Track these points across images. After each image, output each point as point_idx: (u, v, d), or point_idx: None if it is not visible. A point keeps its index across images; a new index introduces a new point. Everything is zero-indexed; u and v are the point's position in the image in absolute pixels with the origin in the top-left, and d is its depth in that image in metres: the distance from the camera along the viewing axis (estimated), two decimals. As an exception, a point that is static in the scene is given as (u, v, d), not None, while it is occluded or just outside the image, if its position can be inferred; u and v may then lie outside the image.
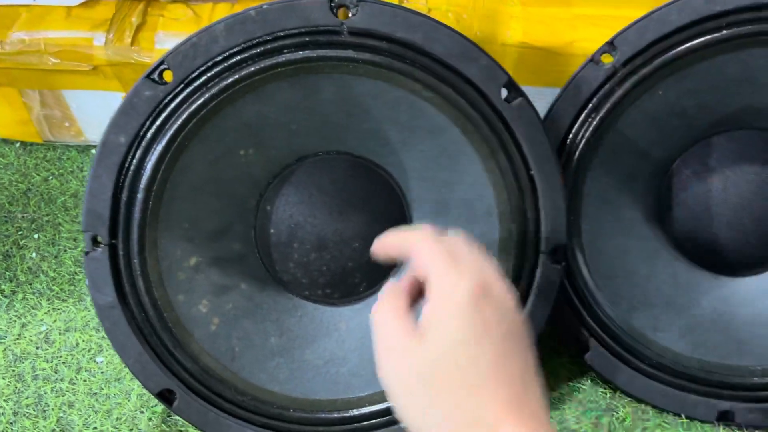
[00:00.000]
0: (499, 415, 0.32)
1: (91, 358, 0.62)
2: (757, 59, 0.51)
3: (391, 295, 0.38)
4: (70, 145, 0.79)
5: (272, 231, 0.55)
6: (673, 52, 0.51)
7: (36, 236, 0.71)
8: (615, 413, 0.58)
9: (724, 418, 0.56)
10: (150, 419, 0.57)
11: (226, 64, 0.47)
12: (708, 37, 0.50)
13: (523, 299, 0.54)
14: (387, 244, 0.42)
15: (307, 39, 0.48)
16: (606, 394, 0.59)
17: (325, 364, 0.55)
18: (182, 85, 0.47)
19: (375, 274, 0.57)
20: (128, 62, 0.67)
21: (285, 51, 0.48)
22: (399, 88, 0.50)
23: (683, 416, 0.57)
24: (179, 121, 0.48)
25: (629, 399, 0.59)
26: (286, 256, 0.55)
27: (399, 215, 0.56)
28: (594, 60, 0.52)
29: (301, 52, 0.48)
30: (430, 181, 0.55)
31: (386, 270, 0.57)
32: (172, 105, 0.47)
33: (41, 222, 0.73)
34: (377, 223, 0.56)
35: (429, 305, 0.35)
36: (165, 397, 0.52)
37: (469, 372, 0.33)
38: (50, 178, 0.77)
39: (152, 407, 0.58)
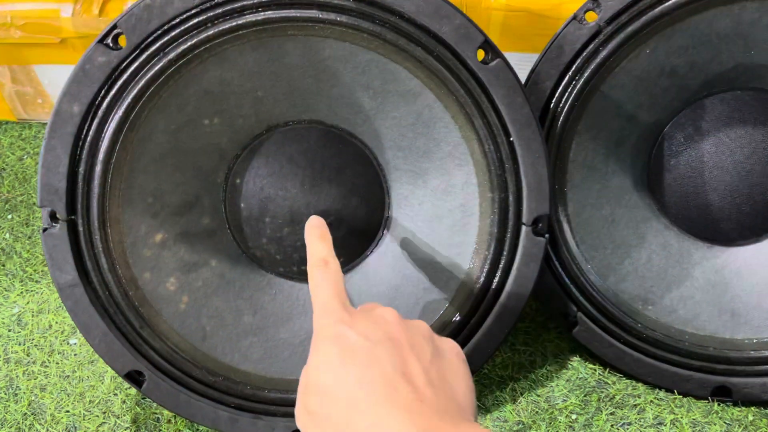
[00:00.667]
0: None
1: (64, 340, 0.60)
2: (751, 12, 0.48)
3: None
4: (45, 123, 0.77)
5: (243, 205, 0.53)
6: (661, 7, 0.48)
7: (10, 216, 0.70)
8: (605, 390, 0.56)
9: (719, 393, 0.54)
10: (124, 402, 0.56)
11: (183, 27, 0.45)
12: (698, -11, 0.47)
13: (506, 273, 0.51)
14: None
15: (270, -1, 0.45)
16: (595, 370, 0.57)
17: (302, 343, 0.53)
18: (137, 51, 0.45)
19: (352, 248, 0.54)
20: (97, 34, 0.64)
21: (246, 12, 0.45)
22: (369, 50, 0.47)
23: (676, 392, 0.55)
24: (136, 89, 0.45)
25: (619, 375, 0.56)
26: (258, 231, 0.53)
27: (375, 186, 0.54)
28: (577, 18, 0.49)
29: (262, 13, 0.45)
30: (407, 150, 0.52)
31: (364, 244, 0.55)
32: (128, 71, 0.45)
33: (15, 202, 0.71)
34: (353, 196, 0.53)
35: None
36: (133, 378, 0.50)
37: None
38: (25, 157, 0.75)
39: (126, 389, 0.56)
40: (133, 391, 0.56)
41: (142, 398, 0.55)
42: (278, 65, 0.48)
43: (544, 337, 0.60)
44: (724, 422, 0.53)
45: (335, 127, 0.52)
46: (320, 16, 0.45)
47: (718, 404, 0.54)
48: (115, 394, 0.56)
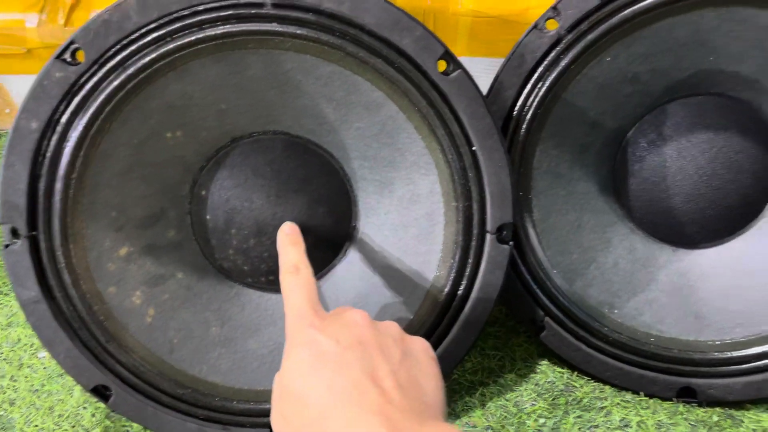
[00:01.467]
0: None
1: (33, 354, 0.60)
2: (708, 21, 0.48)
3: None
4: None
5: (208, 217, 0.53)
6: (621, 15, 0.48)
7: (-22, 228, 0.69)
8: (572, 393, 0.56)
9: (684, 394, 0.55)
10: (93, 415, 0.56)
11: (142, 42, 0.45)
12: (654, -2, 0.47)
13: (472, 280, 0.51)
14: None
15: (229, 13, 0.45)
16: (563, 374, 0.58)
17: (270, 353, 0.53)
18: (96, 65, 0.45)
19: (320, 258, 0.55)
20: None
21: (205, 26, 0.45)
22: (330, 62, 0.47)
23: (642, 394, 0.55)
24: (96, 104, 0.45)
25: (587, 378, 0.57)
26: (225, 242, 0.53)
27: (342, 196, 0.54)
28: (538, 26, 0.50)
29: (222, 27, 0.45)
30: (372, 160, 0.52)
31: (331, 254, 0.55)
32: (87, 87, 0.45)
33: (-17, 213, 0.70)
34: (319, 206, 0.53)
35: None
36: (100, 392, 0.50)
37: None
38: (-7, 167, 0.74)
39: (95, 403, 0.56)
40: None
41: (111, 411, 0.55)
42: (241, 78, 0.48)
43: (513, 341, 0.61)
44: (689, 423, 0.54)
45: (300, 138, 0.52)
46: (280, 29, 0.45)
47: (684, 405, 0.55)
48: (85, 408, 0.56)
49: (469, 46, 0.70)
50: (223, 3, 0.45)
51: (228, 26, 0.45)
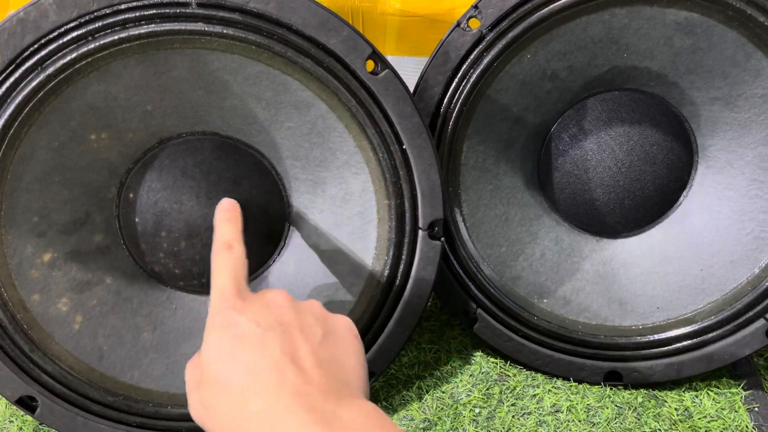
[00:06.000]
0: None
1: (-47, 369, 0.57)
2: (618, 19, 0.51)
3: None
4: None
5: (137, 220, 0.52)
6: (538, 14, 0.50)
7: None
8: (506, 382, 0.58)
9: (611, 378, 0.57)
10: (20, 428, 0.54)
11: (61, 42, 0.44)
12: (569, -3, 0.49)
13: (406, 276, 0.52)
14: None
15: (153, 12, 0.45)
16: (497, 364, 0.59)
17: (205, 356, 0.52)
18: (12, 66, 0.43)
19: (254, 258, 0.54)
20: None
21: (128, 25, 0.44)
22: (258, 62, 0.47)
23: (572, 380, 0.58)
24: (12, 105, 0.44)
25: (519, 367, 0.59)
26: (155, 246, 0.52)
27: (275, 196, 0.54)
28: (460, 25, 0.51)
29: (146, 27, 0.45)
30: (304, 160, 0.52)
31: (266, 254, 0.55)
32: (3, 88, 0.43)
33: None
34: (251, 206, 0.53)
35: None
36: (25, 404, 0.48)
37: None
38: None
39: (22, 416, 0.54)
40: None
41: (40, 424, 0.53)
42: (166, 78, 0.47)
43: (448, 334, 0.62)
44: (616, 405, 0.56)
45: (230, 138, 0.52)
46: (206, 29, 0.45)
47: (611, 389, 0.57)
48: (11, 421, 0.54)
49: (397, 46, 0.71)
50: (146, 2, 0.44)
51: (152, 26, 0.45)
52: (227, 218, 0.45)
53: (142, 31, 0.45)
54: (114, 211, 0.51)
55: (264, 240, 0.54)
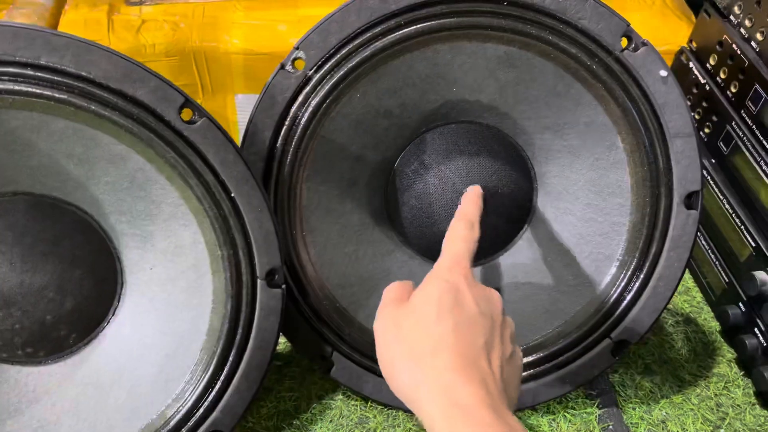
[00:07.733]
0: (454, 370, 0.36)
1: None
2: (442, 55, 0.51)
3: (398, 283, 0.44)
4: None
5: (-55, 294, 0.47)
6: (362, 55, 0.49)
7: None
8: (366, 425, 0.57)
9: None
10: None
11: None
12: (389, 37, 0.49)
13: (247, 329, 0.50)
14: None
15: (-68, 72, 0.41)
16: (357, 406, 0.58)
17: (35, 433, 0.49)
18: None
19: (85, 323, 0.51)
20: None
21: None
22: (61, 117, 0.44)
23: (433, 415, 0.57)
24: None
25: (381, 407, 0.58)
26: (-31, 319, 0.48)
27: (102, 254, 0.51)
28: (285, 67, 0.50)
29: (-75, 88, 0.41)
30: (129, 214, 0.50)
31: (97, 317, 0.51)
32: None
33: None
34: (75, 268, 0.50)
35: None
36: None
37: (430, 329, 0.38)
38: None
39: None
40: None
41: None
42: (-41, 141, 0.43)
43: (308, 380, 0.60)
44: (477, 437, 0.56)
45: (46, 197, 0.49)
46: (-6, 86, 0.42)
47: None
48: None
49: (246, 83, 0.69)
50: None
51: (-69, 87, 0.41)
52: (475, 200, 0.48)
53: None
54: None
55: (94, 301, 0.51)
